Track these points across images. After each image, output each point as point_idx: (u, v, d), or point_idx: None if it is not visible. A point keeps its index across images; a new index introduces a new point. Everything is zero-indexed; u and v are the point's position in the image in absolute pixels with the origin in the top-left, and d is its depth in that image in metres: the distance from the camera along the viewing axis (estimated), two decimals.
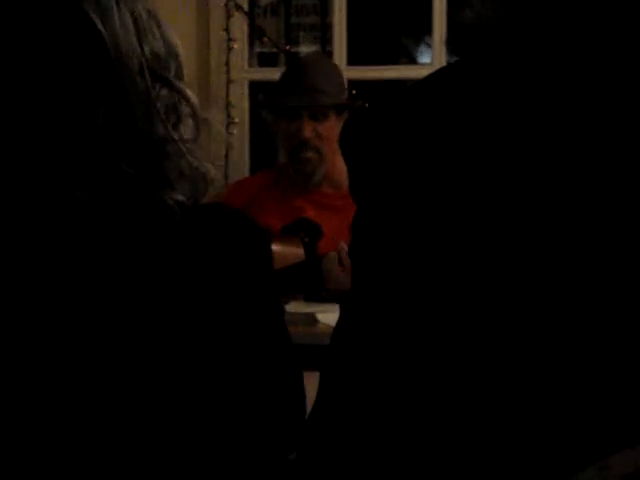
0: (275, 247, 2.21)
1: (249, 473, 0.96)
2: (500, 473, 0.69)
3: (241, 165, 3.58)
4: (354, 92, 3.24)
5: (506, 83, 0.72)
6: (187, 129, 0.98)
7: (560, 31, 0.72)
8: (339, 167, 2.60)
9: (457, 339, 0.70)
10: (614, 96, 0.69)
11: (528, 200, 0.68)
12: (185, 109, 0.98)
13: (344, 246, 2.31)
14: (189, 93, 0.98)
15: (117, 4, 0.92)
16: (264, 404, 0.97)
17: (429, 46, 3.90)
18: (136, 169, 0.92)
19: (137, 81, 0.92)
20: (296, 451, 0.83)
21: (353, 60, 3.58)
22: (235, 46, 3.50)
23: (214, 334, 0.92)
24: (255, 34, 3.67)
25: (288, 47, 3.72)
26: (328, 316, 2.09)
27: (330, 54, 3.56)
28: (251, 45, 3.69)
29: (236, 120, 3.50)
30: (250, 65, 3.69)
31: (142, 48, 0.94)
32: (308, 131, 2.61)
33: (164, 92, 0.96)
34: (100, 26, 0.90)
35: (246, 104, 3.59)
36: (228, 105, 3.48)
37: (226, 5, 3.47)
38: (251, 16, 3.63)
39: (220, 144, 3.44)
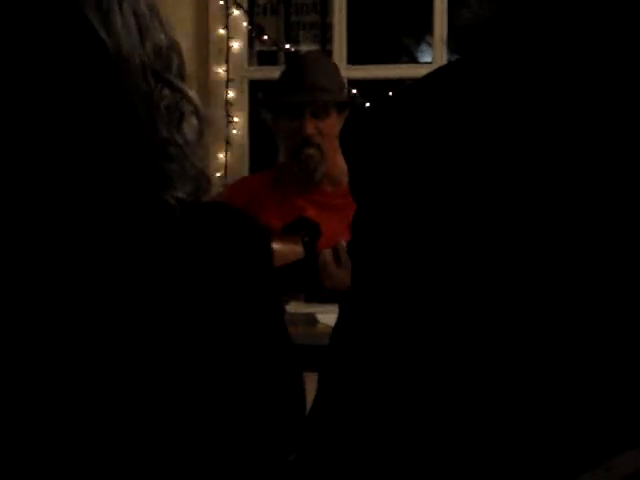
0: (275, 246, 2.21)
1: (248, 474, 0.96)
2: (503, 474, 0.69)
3: (241, 164, 3.58)
4: (354, 91, 3.24)
5: (505, 81, 0.72)
6: (189, 129, 0.98)
7: (558, 30, 0.72)
8: (339, 165, 2.61)
9: (457, 338, 0.70)
10: (612, 96, 0.69)
11: (528, 199, 0.68)
12: (187, 108, 0.98)
13: (343, 244, 2.31)
14: (191, 93, 0.98)
15: (119, 3, 0.92)
16: (264, 404, 0.97)
17: (430, 45, 3.90)
18: (139, 171, 0.92)
19: (140, 83, 0.92)
20: (295, 451, 0.83)
21: (353, 59, 3.58)
22: (234, 45, 3.51)
23: (214, 333, 0.92)
24: (255, 33, 3.67)
25: (288, 46, 3.72)
26: (328, 316, 2.09)
27: (330, 53, 3.57)
28: (250, 44, 3.69)
29: (236, 119, 3.50)
30: (249, 64, 3.69)
31: (144, 46, 0.94)
32: (310, 128, 2.62)
33: (166, 92, 0.96)
34: (102, 32, 0.90)
35: (246, 103, 3.60)
36: (227, 104, 3.49)
37: (226, 3, 3.47)
38: (251, 15, 3.63)
39: (220, 143, 3.44)
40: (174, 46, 0.98)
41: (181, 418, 0.91)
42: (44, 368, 0.88)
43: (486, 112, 0.71)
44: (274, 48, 3.85)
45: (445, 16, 3.43)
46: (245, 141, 3.61)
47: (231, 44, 3.50)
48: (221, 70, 3.51)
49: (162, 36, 0.96)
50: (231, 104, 3.50)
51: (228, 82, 3.50)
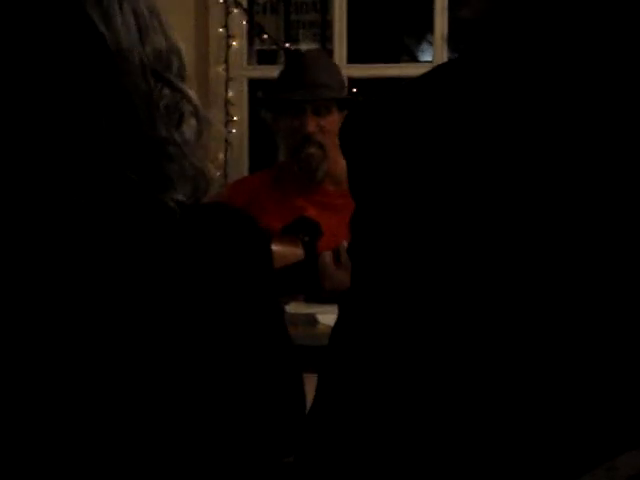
0: (275, 247, 2.20)
1: (248, 475, 0.96)
2: (503, 474, 0.69)
3: (240, 163, 3.58)
4: (354, 90, 3.23)
5: (504, 79, 0.72)
6: (189, 129, 0.98)
7: (555, 27, 0.72)
8: (341, 164, 2.60)
9: (457, 338, 0.70)
10: (610, 92, 0.69)
11: (527, 197, 0.68)
12: (187, 109, 0.98)
13: (345, 245, 2.30)
14: (191, 93, 0.98)
15: (120, 4, 0.92)
16: (264, 405, 0.97)
17: (430, 44, 3.90)
18: (138, 170, 0.92)
19: (139, 83, 0.93)
20: (295, 452, 0.84)
21: (353, 58, 3.58)
22: (234, 43, 3.51)
23: (214, 334, 0.92)
24: (254, 31, 3.67)
25: (287, 45, 3.71)
26: (328, 317, 2.09)
27: (330, 52, 3.56)
28: (250, 42, 3.69)
29: (235, 118, 3.50)
30: (249, 63, 3.69)
31: (144, 47, 0.94)
32: (312, 125, 2.61)
33: (166, 92, 0.96)
34: (103, 28, 0.90)
35: (245, 102, 3.60)
36: (227, 103, 3.49)
37: (225, 2, 3.47)
38: (250, 13, 3.63)
39: (219, 142, 3.44)
40: (174, 49, 0.98)
41: (180, 419, 0.91)
42: (43, 367, 0.88)
43: (485, 110, 0.71)
44: (274, 47, 3.85)
45: (446, 15, 3.43)
46: (245, 140, 3.61)
47: (231, 43, 3.50)
48: (220, 69, 3.51)
49: (162, 39, 0.97)
50: (231, 103, 3.50)
51: (228, 81, 3.50)
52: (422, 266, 0.71)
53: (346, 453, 0.74)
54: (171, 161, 0.95)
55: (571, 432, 0.67)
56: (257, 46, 3.84)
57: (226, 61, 3.50)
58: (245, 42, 3.61)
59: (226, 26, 3.49)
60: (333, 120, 2.61)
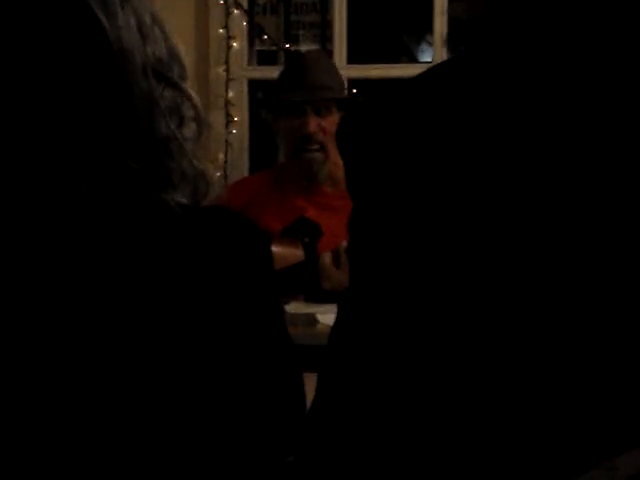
0: (275, 248, 2.21)
1: (248, 474, 0.96)
2: (503, 474, 0.69)
3: (240, 164, 3.58)
4: (354, 91, 3.24)
5: (500, 79, 0.72)
6: (189, 129, 0.98)
7: (552, 26, 0.72)
8: (340, 164, 2.59)
9: (455, 337, 0.70)
10: (606, 91, 0.69)
11: (525, 196, 0.68)
12: (188, 109, 0.98)
13: (344, 245, 2.30)
14: (192, 94, 0.98)
15: (122, 7, 0.92)
16: (264, 405, 0.97)
17: (430, 44, 3.90)
18: (139, 167, 0.92)
19: (140, 80, 0.92)
20: (295, 451, 0.84)
21: (353, 59, 3.58)
22: (234, 44, 3.51)
23: (214, 335, 0.92)
24: (254, 32, 3.67)
25: (288, 45, 3.71)
26: (328, 316, 2.09)
27: (330, 52, 3.56)
28: (250, 43, 3.69)
29: (235, 119, 3.50)
30: (249, 63, 3.69)
31: (145, 47, 0.94)
32: (313, 126, 2.61)
33: (167, 93, 0.96)
34: (105, 23, 0.90)
35: (245, 102, 3.60)
36: (227, 103, 3.48)
37: (225, 3, 3.47)
38: (250, 14, 3.63)
39: (220, 143, 3.44)
40: (175, 54, 0.98)
41: (181, 418, 0.91)
42: (44, 368, 0.88)
43: (481, 109, 0.71)
44: (274, 48, 3.85)
45: (445, 15, 3.43)
46: (245, 141, 3.60)
47: (231, 44, 3.50)
48: (221, 70, 3.51)
49: (162, 43, 0.97)
50: (231, 104, 3.49)
51: (228, 82, 3.50)
52: (420, 265, 0.71)
53: (346, 452, 0.74)
54: (171, 159, 0.95)
55: (571, 432, 0.67)
56: (257, 47, 3.84)
57: (226, 62, 3.50)
58: (245, 43, 3.61)
59: (226, 27, 3.49)
60: (333, 120, 2.62)
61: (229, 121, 3.48)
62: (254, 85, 3.63)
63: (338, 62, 3.35)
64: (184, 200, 0.96)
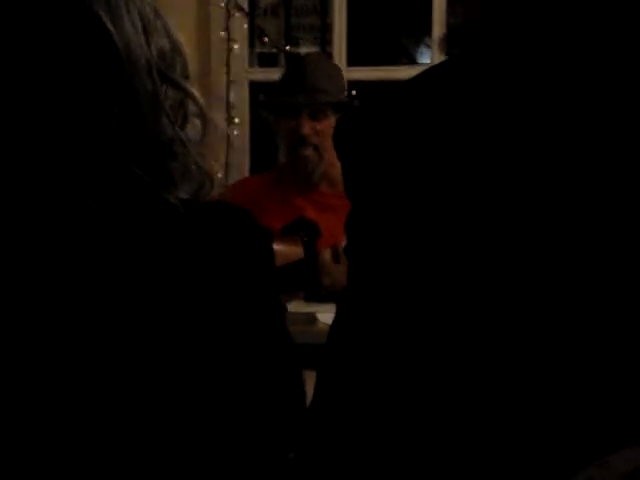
0: (276, 246, 2.22)
1: (248, 471, 0.96)
2: (500, 471, 0.69)
3: (241, 165, 3.58)
4: (354, 93, 3.25)
5: (495, 81, 0.72)
6: (193, 128, 0.99)
7: (546, 31, 0.72)
8: (337, 165, 2.60)
9: (453, 336, 0.70)
10: (600, 91, 0.69)
11: (521, 198, 0.68)
12: (191, 108, 0.99)
13: (343, 243, 2.30)
14: (195, 93, 0.99)
15: (126, 5, 0.92)
16: (264, 403, 0.97)
17: (429, 47, 3.90)
18: (144, 169, 0.92)
19: (146, 82, 0.93)
20: (295, 449, 0.84)
21: (353, 61, 3.58)
22: (235, 46, 3.50)
23: (215, 331, 0.92)
24: (255, 35, 3.67)
25: (288, 47, 3.72)
26: (328, 315, 2.09)
27: (330, 55, 3.57)
28: (251, 45, 3.69)
29: (236, 120, 3.50)
30: (250, 65, 3.69)
31: (149, 48, 0.94)
32: (307, 128, 2.64)
33: (171, 92, 0.96)
34: (111, 28, 0.90)
35: (246, 104, 3.59)
36: (228, 105, 3.48)
37: (226, 6, 3.47)
38: (251, 17, 3.62)
39: (221, 144, 3.44)
40: (177, 49, 0.98)
41: (181, 416, 0.90)
42: (45, 367, 0.88)
43: (478, 111, 0.71)
44: (274, 50, 3.84)
45: (444, 18, 3.44)
46: (246, 142, 3.60)
47: (232, 46, 3.50)
48: (222, 72, 3.51)
49: (166, 39, 0.97)
50: (232, 105, 3.50)
51: (229, 83, 3.50)
52: (417, 265, 0.71)
53: (346, 448, 0.74)
54: (175, 160, 0.95)
55: (566, 429, 0.67)
56: (258, 49, 3.84)
57: (227, 64, 3.49)
58: (246, 45, 3.60)
59: (227, 29, 3.49)
60: (329, 124, 2.64)
61: (230, 123, 3.48)
62: (255, 87, 3.63)
63: (338, 64, 3.36)
64: (186, 196, 0.96)
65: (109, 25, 0.91)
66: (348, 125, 0.80)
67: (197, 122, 1.00)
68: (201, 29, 3.51)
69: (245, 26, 3.57)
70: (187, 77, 0.99)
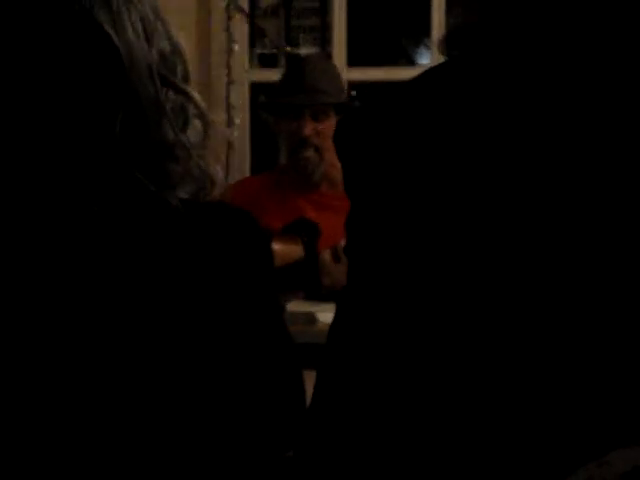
0: (275, 246, 2.23)
1: (248, 470, 0.96)
2: (499, 470, 0.69)
3: (242, 166, 3.58)
4: (354, 93, 3.25)
5: (495, 82, 0.72)
6: (194, 131, 0.99)
7: (545, 30, 0.72)
8: (337, 166, 2.60)
9: (453, 335, 0.70)
10: (600, 92, 0.69)
11: (522, 198, 0.68)
12: (192, 111, 0.99)
13: (343, 243, 2.30)
14: (196, 95, 0.99)
15: (127, 9, 0.93)
16: (263, 402, 0.97)
17: (428, 48, 3.91)
18: (146, 172, 0.93)
19: (148, 86, 0.93)
20: (295, 447, 0.84)
21: (353, 61, 3.59)
22: (236, 47, 3.51)
23: (215, 331, 0.92)
24: (255, 35, 3.67)
25: (288, 48, 3.72)
26: (328, 315, 2.09)
27: (330, 55, 3.57)
28: (252, 46, 3.69)
29: (237, 121, 3.50)
30: (251, 66, 3.69)
31: (151, 51, 0.95)
32: (309, 129, 2.64)
33: (172, 95, 0.97)
34: (114, 36, 0.91)
35: (247, 105, 3.59)
36: (229, 106, 3.49)
37: (227, 7, 3.47)
38: (252, 18, 3.63)
39: (221, 145, 3.44)
40: (178, 51, 0.99)
41: (180, 416, 0.91)
42: (44, 366, 0.88)
43: (478, 112, 0.71)
44: (275, 51, 3.85)
45: (443, 19, 3.45)
46: (246, 143, 3.60)
47: (232, 47, 3.51)
48: (222, 72, 3.51)
49: (166, 42, 0.97)
50: (232, 106, 3.50)
51: (229, 84, 3.50)
52: (416, 264, 0.71)
53: (345, 448, 0.73)
54: (177, 163, 0.96)
55: (566, 428, 0.67)
56: (258, 50, 3.84)
57: (228, 64, 3.50)
58: (247, 46, 3.61)
59: (228, 30, 3.49)
60: (330, 124, 2.64)
61: (231, 123, 3.49)
62: (256, 87, 3.63)
63: (338, 65, 3.35)
64: (187, 197, 0.96)
65: (110, 30, 0.91)
66: (348, 126, 0.80)
67: (198, 125, 1.00)
68: (201, 30, 3.51)
69: (245, 27, 3.57)
70: (188, 80, 1.00)
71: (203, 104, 1.00)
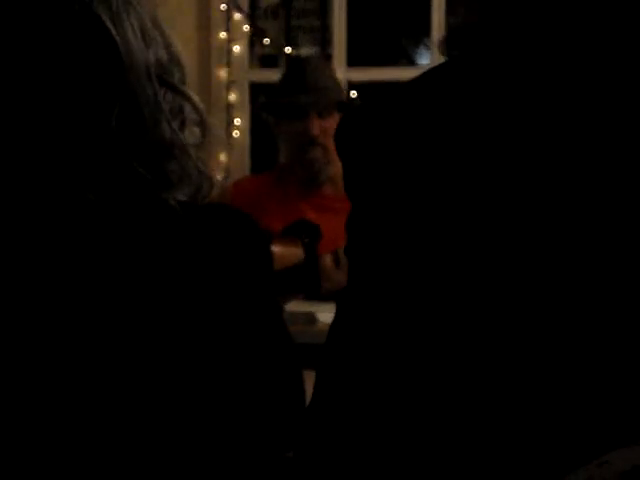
0: (275, 248, 2.22)
1: (248, 470, 0.96)
2: (499, 470, 0.69)
3: (242, 166, 3.58)
4: (354, 93, 3.26)
5: (496, 81, 0.72)
6: (192, 132, 0.99)
7: (545, 30, 0.73)
8: (339, 165, 2.60)
9: (453, 335, 0.70)
10: (600, 93, 0.69)
11: (522, 199, 0.68)
12: (190, 112, 0.99)
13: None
14: (194, 96, 0.99)
15: (127, 10, 0.93)
16: (264, 402, 0.98)
17: (428, 48, 3.92)
18: (143, 171, 0.93)
19: (146, 85, 0.93)
20: (294, 448, 0.84)
21: (353, 62, 3.59)
22: (236, 47, 3.51)
23: (214, 333, 0.93)
24: (256, 36, 3.68)
25: (288, 49, 3.73)
26: (328, 315, 2.09)
27: (330, 56, 3.57)
28: (252, 47, 3.70)
29: (237, 121, 3.50)
30: (251, 66, 3.69)
31: (148, 53, 0.95)
32: (316, 128, 2.62)
33: (170, 96, 0.97)
34: (114, 31, 0.91)
35: (247, 105, 3.60)
36: (229, 106, 3.49)
37: (227, 7, 3.48)
38: (252, 18, 3.63)
39: (221, 145, 3.44)
40: (175, 57, 0.99)
41: (180, 416, 0.91)
42: (44, 367, 0.88)
43: (477, 112, 0.71)
44: (275, 51, 3.85)
45: (443, 19, 3.45)
46: (246, 143, 3.60)
47: (232, 47, 3.51)
48: (222, 73, 3.52)
49: (164, 51, 0.97)
50: (232, 106, 3.50)
51: (229, 85, 3.51)
52: (416, 265, 0.71)
53: (344, 448, 0.73)
54: (174, 163, 0.96)
55: (566, 428, 0.67)
56: (258, 50, 3.85)
57: (228, 65, 3.50)
58: (247, 46, 3.61)
59: (228, 31, 3.50)
60: (334, 122, 2.64)
61: (231, 124, 3.49)
62: (256, 88, 3.64)
63: (338, 65, 3.37)
64: (185, 198, 0.96)
65: (111, 27, 0.91)
66: (349, 125, 0.80)
67: (196, 125, 1.00)
68: (201, 30, 3.51)
69: (245, 27, 3.57)
70: (184, 84, 1.00)
71: (201, 105, 1.00)
